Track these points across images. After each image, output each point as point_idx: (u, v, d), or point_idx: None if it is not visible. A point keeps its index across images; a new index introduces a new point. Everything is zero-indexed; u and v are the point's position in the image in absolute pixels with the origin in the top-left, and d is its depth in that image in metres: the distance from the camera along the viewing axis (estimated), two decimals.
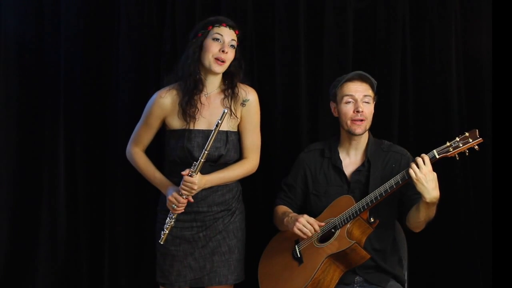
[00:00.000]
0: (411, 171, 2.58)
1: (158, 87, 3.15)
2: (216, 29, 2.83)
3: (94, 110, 3.49)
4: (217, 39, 2.81)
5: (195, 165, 2.73)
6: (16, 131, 3.48)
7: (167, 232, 2.81)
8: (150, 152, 3.08)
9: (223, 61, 2.80)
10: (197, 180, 2.74)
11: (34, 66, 3.47)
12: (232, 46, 2.83)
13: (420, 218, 2.69)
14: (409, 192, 2.74)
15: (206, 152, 2.71)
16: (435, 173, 2.59)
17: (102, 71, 3.48)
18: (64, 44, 3.45)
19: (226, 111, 2.70)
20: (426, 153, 2.60)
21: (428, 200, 2.59)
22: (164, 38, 3.41)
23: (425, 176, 2.56)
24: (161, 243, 2.83)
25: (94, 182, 3.50)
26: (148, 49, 3.44)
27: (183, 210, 2.80)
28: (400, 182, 2.63)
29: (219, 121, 2.68)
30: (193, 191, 2.76)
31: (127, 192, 3.43)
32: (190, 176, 2.73)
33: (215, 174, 2.83)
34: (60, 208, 3.48)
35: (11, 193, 3.49)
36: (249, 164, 2.93)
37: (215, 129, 2.69)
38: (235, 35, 2.86)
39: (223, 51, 2.79)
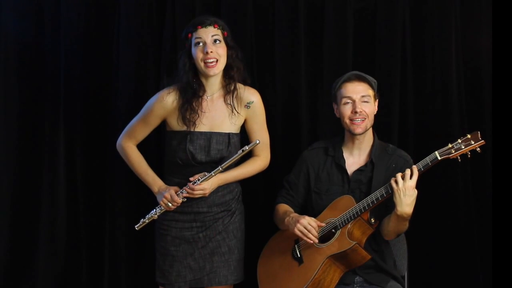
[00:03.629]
0: (393, 181, 2.61)
1: (158, 87, 3.16)
2: (195, 35, 2.82)
3: (94, 110, 3.49)
4: (198, 44, 2.81)
5: (205, 176, 2.77)
6: (16, 131, 3.48)
7: (146, 221, 2.86)
8: (150, 152, 3.08)
9: (212, 62, 2.79)
10: (208, 185, 2.79)
11: (34, 66, 3.47)
12: (216, 41, 2.81)
13: (389, 227, 2.71)
14: (392, 199, 2.73)
15: (220, 169, 2.77)
16: (416, 191, 2.60)
17: (102, 71, 3.48)
18: (64, 44, 3.45)
19: (258, 142, 2.79)
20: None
21: (398, 213, 2.60)
22: (164, 38, 3.41)
23: (404, 190, 2.58)
24: (136, 229, 2.88)
25: (94, 182, 3.50)
26: (148, 49, 3.43)
27: (174, 208, 2.83)
28: None
29: (246, 148, 2.75)
30: (206, 194, 2.80)
31: (127, 192, 3.43)
32: (194, 184, 2.77)
33: (230, 172, 2.86)
34: (60, 208, 3.48)
35: (11, 192, 3.48)
36: (261, 161, 2.97)
37: (239, 154, 2.76)
38: (215, 29, 2.82)
39: (206, 53, 2.79)
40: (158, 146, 3.29)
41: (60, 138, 3.47)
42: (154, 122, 2.93)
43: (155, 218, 2.86)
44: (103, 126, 3.47)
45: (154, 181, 2.92)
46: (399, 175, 2.62)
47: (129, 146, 2.97)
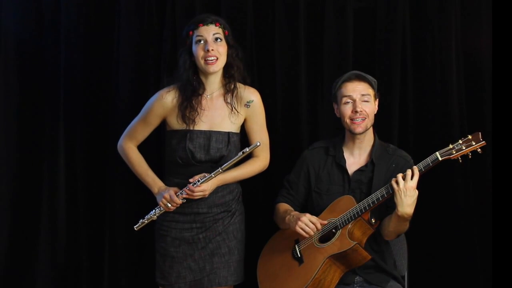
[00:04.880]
0: (393, 181, 2.62)
1: (158, 87, 3.16)
2: (196, 32, 2.83)
3: (94, 110, 3.49)
4: (199, 41, 2.82)
5: (204, 177, 2.77)
6: (16, 131, 3.47)
7: (145, 222, 2.86)
8: (151, 152, 3.08)
9: (212, 60, 2.80)
10: (208, 186, 2.78)
11: (34, 66, 3.47)
12: (217, 39, 2.82)
13: (389, 227, 2.72)
14: (393, 199, 2.74)
15: (220, 170, 2.76)
16: (417, 191, 2.61)
17: (102, 71, 3.48)
18: (64, 44, 3.45)
19: (258, 144, 2.78)
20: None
21: (399, 213, 2.61)
22: (164, 38, 3.41)
23: (405, 190, 2.59)
24: (136, 229, 2.88)
25: (94, 182, 3.50)
26: (148, 49, 3.44)
27: (173, 209, 2.83)
28: None
29: (247, 149, 2.75)
30: (205, 195, 2.80)
31: (127, 192, 3.43)
32: (194, 185, 2.76)
33: (229, 173, 2.85)
34: (60, 208, 3.48)
35: (11, 192, 3.48)
36: (261, 162, 2.96)
37: (239, 155, 2.76)
38: (216, 27, 2.84)
39: (207, 50, 2.80)
40: (158, 146, 3.28)
41: (60, 138, 3.47)
42: (154, 122, 2.93)
43: (154, 219, 2.87)
44: (103, 126, 3.47)
45: (154, 182, 2.92)
46: (399, 175, 2.62)
47: (129, 147, 2.97)
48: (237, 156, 2.78)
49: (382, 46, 3.36)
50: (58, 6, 3.45)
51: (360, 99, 2.81)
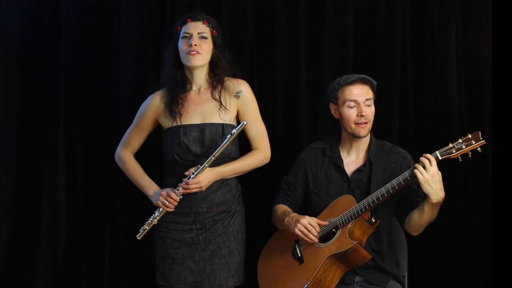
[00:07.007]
0: (417, 173, 2.58)
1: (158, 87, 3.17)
2: (184, 28, 2.87)
3: (94, 110, 3.49)
4: (185, 37, 2.85)
5: (198, 168, 2.76)
6: (16, 131, 3.47)
7: (147, 228, 2.86)
8: (150, 156, 3.10)
9: (194, 52, 2.82)
10: (203, 178, 2.77)
11: (34, 66, 3.47)
12: (202, 37, 2.85)
13: (422, 220, 2.69)
14: (410, 195, 2.74)
15: (212, 158, 2.76)
16: (440, 173, 2.60)
17: (102, 71, 3.48)
18: (64, 44, 3.45)
19: (245, 122, 2.76)
20: (428, 154, 2.62)
21: (434, 201, 2.60)
22: (164, 38, 3.41)
23: (432, 178, 2.58)
24: (139, 238, 2.87)
25: (94, 182, 3.50)
26: (148, 49, 3.44)
27: (173, 209, 2.82)
28: (403, 183, 2.64)
29: (234, 131, 2.75)
30: (202, 188, 2.80)
31: (127, 192, 3.42)
32: (189, 178, 2.77)
33: (226, 165, 2.86)
34: (60, 208, 3.48)
35: (11, 193, 3.48)
36: (260, 153, 2.95)
37: (229, 138, 2.74)
38: (203, 25, 2.87)
39: (190, 45, 2.82)
40: (158, 150, 3.28)
41: (60, 138, 3.47)
42: (147, 126, 2.96)
43: (155, 223, 2.86)
44: (103, 126, 3.47)
45: (150, 185, 2.93)
46: (419, 167, 2.58)
47: (125, 154, 3.01)
48: (226, 140, 2.76)
49: (382, 46, 3.36)
50: (58, 6, 3.45)
51: (364, 103, 2.81)
